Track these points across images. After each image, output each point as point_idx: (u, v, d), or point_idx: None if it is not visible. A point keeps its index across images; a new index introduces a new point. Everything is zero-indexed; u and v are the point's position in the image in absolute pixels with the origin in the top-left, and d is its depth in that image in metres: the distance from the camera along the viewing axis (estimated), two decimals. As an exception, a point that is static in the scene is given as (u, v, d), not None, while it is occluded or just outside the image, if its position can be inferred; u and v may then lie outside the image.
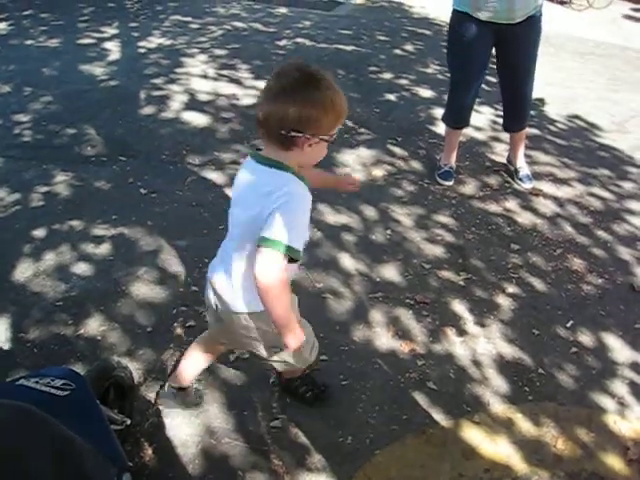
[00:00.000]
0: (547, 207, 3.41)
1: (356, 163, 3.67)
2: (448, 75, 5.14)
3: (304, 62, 1.46)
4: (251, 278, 1.42)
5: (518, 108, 3.41)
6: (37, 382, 1.42)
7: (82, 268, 2.68)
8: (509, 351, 2.40)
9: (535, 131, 4.26)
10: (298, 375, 2.07)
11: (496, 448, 2.00)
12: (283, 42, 5.84)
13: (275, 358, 1.72)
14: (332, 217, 3.12)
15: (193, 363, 1.94)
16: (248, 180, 1.53)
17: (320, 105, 1.38)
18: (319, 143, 1.44)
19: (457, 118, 3.48)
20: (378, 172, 3.60)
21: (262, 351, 1.69)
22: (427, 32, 6.56)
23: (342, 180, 2.01)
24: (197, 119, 4.12)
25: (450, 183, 3.53)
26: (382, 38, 6.20)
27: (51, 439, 1.22)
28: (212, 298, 1.65)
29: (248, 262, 1.49)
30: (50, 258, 2.73)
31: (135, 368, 2.16)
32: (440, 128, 4.17)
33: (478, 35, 3.06)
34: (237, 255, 1.54)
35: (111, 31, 5.95)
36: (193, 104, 4.34)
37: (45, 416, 1.25)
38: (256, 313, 1.56)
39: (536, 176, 3.67)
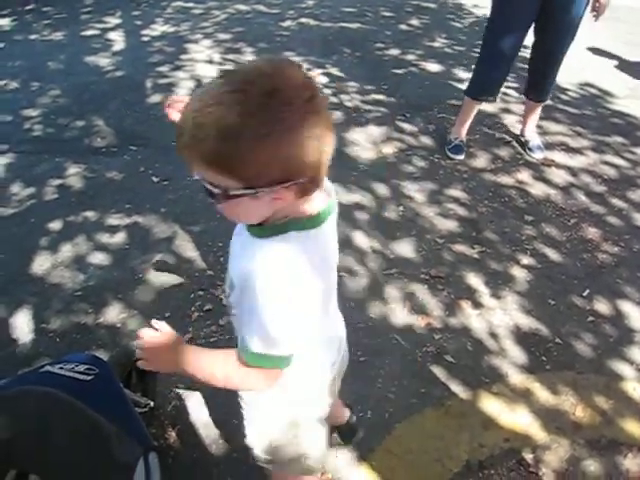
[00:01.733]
0: (560, 177, 3.38)
1: (366, 141, 3.66)
2: (456, 48, 5.13)
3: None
4: None
5: (548, 78, 3.33)
6: (61, 368, 1.45)
7: (99, 258, 2.71)
8: (525, 322, 2.41)
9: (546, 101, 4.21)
10: None
11: (515, 418, 2.02)
12: (287, 23, 5.80)
13: None
14: (344, 196, 3.12)
15: None
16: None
17: None
18: None
19: (484, 89, 3.32)
20: (388, 149, 3.58)
21: None
22: (432, 6, 6.46)
23: None
24: (205, 105, 4.11)
25: (461, 157, 3.50)
26: (387, 14, 6.12)
27: (78, 422, 1.26)
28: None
29: None
30: (67, 249, 2.77)
31: (156, 353, 2.19)
32: (450, 102, 4.14)
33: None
34: None
35: (114, 21, 5.94)
36: (200, 90, 4.34)
37: (71, 400, 1.28)
38: None
39: (548, 146, 3.64)
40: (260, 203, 0.92)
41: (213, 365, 1.09)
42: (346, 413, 1.88)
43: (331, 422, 1.69)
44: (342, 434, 1.91)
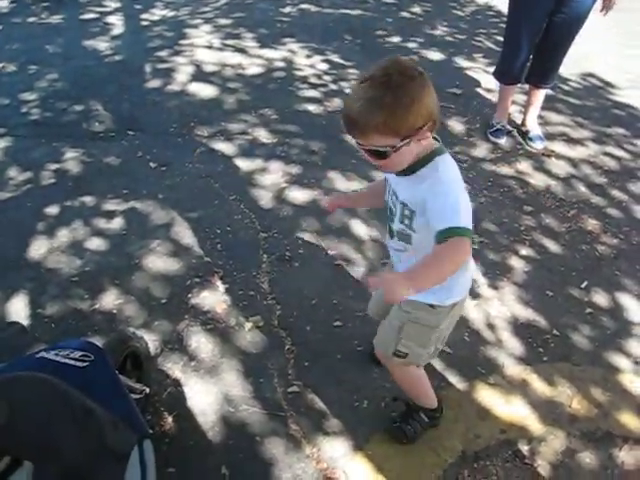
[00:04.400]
0: (560, 168, 3.36)
1: (365, 130, 3.62)
2: (457, 37, 5.09)
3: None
4: None
5: (553, 63, 3.34)
6: (57, 354, 1.44)
7: (96, 243, 2.70)
8: (523, 313, 2.40)
9: (547, 91, 4.18)
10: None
11: (511, 409, 2.01)
12: (288, 9, 5.74)
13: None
14: (343, 184, 3.11)
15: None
16: None
17: None
18: None
19: (509, 74, 3.44)
20: (388, 138, 3.56)
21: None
22: (434, -7, 6.41)
23: None
24: (204, 90, 4.08)
25: (502, 141, 3.54)
26: (388, 1, 6.06)
27: (72, 409, 1.25)
28: None
29: None
30: (63, 235, 2.75)
31: (152, 339, 2.19)
32: (450, 91, 4.11)
33: None
34: None
35: (113, 5, 5.88)
36: (199, 75, 4.30)
37: (66, 387, 1.27)
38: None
39: (549, 137, 3.62)
40: (411, 148, 1.33)
41: (440, 265, 1.29)
42: None
43: None
44: None
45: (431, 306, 1.57)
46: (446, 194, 1.33)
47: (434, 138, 1.41)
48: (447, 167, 1.39)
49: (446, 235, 1.27)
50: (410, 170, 1.40)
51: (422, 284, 1.26)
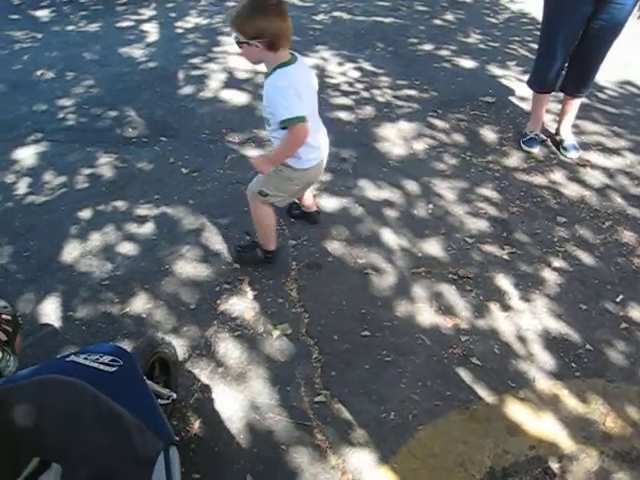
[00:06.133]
0: (595, 178, 3.29)
1: (397, 137, 3.61)
2: (490, 44, 5.03)
3: None
4: None
5: (589, 71, 3.25)
6: (86, 358, 1.45)
7: (127, 248, 2.73)
8: (555, 326, 2.35)
9: (583, 99, 4.10)
10: None
11: (542, 425, 1.97)
12: (320, 16, 5.76)
13: None
14: (373, 192, 3.09)
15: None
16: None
17: None
18: None
19: (544, 82, 3.36)
20: (419, 146, 3.53)
21: None
22: (467, 0, 6.36)
23: None
24: (236, 97, 4.11)
25: (535, 150, 3.48)
26: (421, 8, 6.04)
27: (100, 413, 1.26)
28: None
29: None
30: (96, 238, 2.79)
31: (180, 345, 2.20)
32: (483, 99, 4.07)
33: None
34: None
35: (148, 13, 5.98)
36: (232, 82, 4.34)
37: (94, 391, 1.28)
38: None
39: (584, 146, 3.55)
40: (252, 50, 2.01)
41: (286, 148, 2.16)
42: (314, 207, 2.86)
43: (304, 209, 2.85)
44: (308, 218, 2.87)
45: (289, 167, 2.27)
46: (275, 97, 2.04)
47: (291, 55, 2.08)
48: (279, 76, 2.04)
49: (283, 125, 2.06)
50: (266, 77, 2.11)
51: (276, 162, 2.23)
